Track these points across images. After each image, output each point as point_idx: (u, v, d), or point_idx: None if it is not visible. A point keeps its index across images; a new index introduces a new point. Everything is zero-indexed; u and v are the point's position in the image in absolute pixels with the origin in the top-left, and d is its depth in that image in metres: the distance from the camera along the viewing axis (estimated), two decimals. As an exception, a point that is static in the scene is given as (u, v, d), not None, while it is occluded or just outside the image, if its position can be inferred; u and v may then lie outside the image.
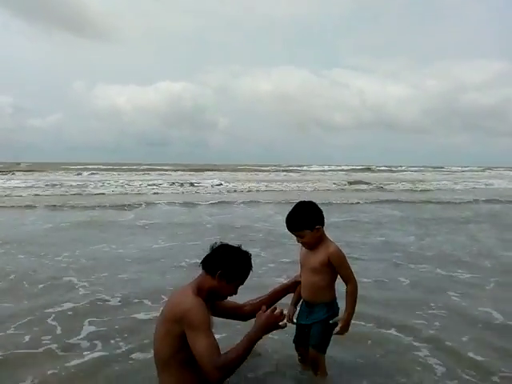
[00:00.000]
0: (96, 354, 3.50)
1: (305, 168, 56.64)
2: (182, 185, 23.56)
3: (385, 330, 4.02)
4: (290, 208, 2.98)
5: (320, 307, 2.95)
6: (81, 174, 35.33)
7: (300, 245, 3.04)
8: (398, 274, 6.12)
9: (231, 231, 9.52)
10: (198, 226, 10.23)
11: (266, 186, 23.51)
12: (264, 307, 2.68)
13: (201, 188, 22.17)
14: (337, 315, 2.96)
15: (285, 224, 2.98)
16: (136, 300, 4.83)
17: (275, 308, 2.66)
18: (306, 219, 2.90)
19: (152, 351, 2.77)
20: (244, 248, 2.86)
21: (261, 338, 2.59)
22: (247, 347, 2.53)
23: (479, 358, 3.43)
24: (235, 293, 2.77)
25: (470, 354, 3.48)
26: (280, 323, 2.62)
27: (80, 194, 17.87)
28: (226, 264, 2.68)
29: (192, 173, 39.99)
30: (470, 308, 4.71)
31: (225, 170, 46.30)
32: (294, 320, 3.13)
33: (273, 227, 10.12)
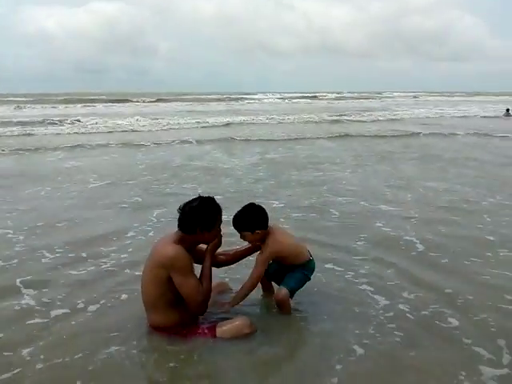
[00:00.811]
0: (58, 312, 3.50)
1: (248, 97, 55.34)
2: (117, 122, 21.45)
3: (325, 265, 4.28)
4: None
5: (298, 267, 3.41)
6: (8, 107, 32.73)
7: None
8: (329, 207, 6.45)
9: (165, 170, 9.46)
10: (132, 166, 10.07)
11: (213, 120, 22.31)
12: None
13: (137, 125, 20.37)
14: (313, 271, 3.46)
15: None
16: (72, 254, 4.70)
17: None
18: (248, 223, 3.21)
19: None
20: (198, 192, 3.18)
21: (211, 260, 3.13)
22: (209, 275, 3.07)
23: (412, 296, 3.77)
24: (220, 232, 3.12)
25: (405, 294, 3.79)
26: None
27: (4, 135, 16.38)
28: (201, 219, 2.96)
29: (129, 105, 38.16)
30: (398, 237, 5.15)
31: (166, 101, 44.37)
32: None
33: (210, 164, 10.19)
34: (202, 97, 52.45)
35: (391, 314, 3.42)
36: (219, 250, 3.37)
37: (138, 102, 42.28)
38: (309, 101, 48.84)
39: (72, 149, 12.89)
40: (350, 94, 65.39)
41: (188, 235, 2.99)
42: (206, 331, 3.05)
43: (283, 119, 23.52)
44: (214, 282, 3.43)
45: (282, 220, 5.59)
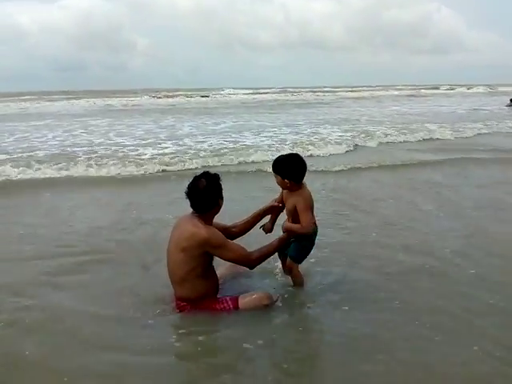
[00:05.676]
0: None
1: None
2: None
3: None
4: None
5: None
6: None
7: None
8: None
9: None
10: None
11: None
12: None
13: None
14: (311, 238, 3.58)
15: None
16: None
17: None
18: (282, 167, 3.46)
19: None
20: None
21: (289, 240, 3.54)
22: (278, 245, 3.50)
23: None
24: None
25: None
26: None
27: None
28: (218, 191, 3.29)
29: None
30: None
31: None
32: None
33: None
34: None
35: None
36: (229, 224, 3.72)
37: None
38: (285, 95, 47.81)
39: None
40: (328, 89, 63.30)
41: (207, 216, 3.30)
42: (229, 302, 3.35)
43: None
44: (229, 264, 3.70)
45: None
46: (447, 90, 60.54)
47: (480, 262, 4.15)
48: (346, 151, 11.05)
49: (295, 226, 3.49)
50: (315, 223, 3.56)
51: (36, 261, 4.39)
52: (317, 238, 3.63)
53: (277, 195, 3.78)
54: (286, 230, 3.55)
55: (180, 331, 3.17)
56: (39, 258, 4.45)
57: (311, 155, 10.30)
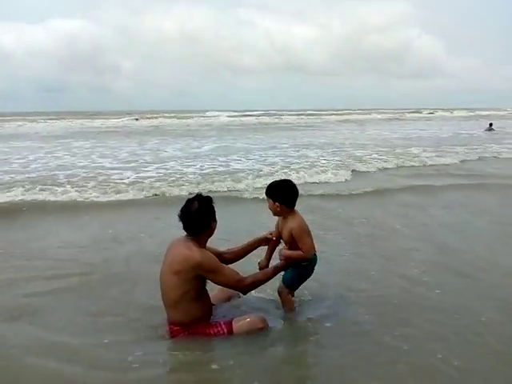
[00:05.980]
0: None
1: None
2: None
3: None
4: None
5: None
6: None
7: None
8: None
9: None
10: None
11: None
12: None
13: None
14: (308, 268, 3.57)
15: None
16: None
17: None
18: (274, 191, 3.53)
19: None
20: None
21: (286, 269, 3.51)
22: (273, 273, 3.47)
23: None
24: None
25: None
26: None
27: None
28: (210, 213, 3.29)
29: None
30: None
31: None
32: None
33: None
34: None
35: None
36: (223, 249, 3.66)
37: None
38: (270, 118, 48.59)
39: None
40: (311, 112, 64.72)
41: (201, 238, 3.27)
42: (223, 326, 3.30)
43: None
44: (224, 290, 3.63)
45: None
46: (429, 113, 62.11)
47: (444, 282, 4.32)
48: (338, 181, 10.40)
49: (295, 253, 3.47)
50: (315, 250, 3.54)
51: (9, 285, 4.30)
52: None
53: (273, 224, 3.75)
54: (284, 258, 3.49)
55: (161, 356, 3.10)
56: (14, 282, 4.37)
57: (305, 182, 9.91)
